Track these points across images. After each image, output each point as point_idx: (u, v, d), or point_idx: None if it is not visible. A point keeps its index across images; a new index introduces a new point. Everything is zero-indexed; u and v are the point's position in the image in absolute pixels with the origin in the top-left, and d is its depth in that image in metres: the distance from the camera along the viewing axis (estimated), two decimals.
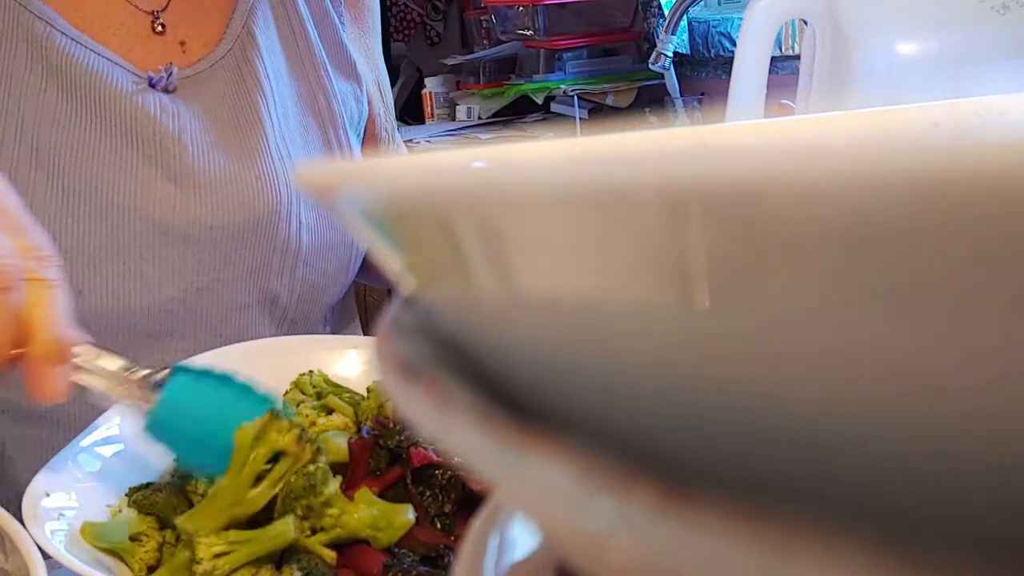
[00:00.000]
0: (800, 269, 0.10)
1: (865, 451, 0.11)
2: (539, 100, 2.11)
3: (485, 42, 2.39)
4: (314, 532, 0.54)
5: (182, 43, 0.82)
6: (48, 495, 0.55)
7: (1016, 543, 0.11)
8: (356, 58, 0.91)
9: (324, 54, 0.87)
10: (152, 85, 0.78)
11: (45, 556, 0.47)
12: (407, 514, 0.54)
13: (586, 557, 0.14)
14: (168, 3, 0.82)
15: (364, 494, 0.55)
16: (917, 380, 0.10)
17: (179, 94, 0.79)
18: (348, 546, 0.54)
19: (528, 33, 2.11)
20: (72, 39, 0.76)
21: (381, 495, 0.56)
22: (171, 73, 0.79)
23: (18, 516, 0.50)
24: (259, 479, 0.54)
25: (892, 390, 0.11)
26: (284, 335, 0.81)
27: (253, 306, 0.81)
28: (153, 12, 0.81)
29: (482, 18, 2.38)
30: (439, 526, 0.55)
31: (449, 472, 0.56)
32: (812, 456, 0.12)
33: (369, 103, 0.93)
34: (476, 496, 0.56)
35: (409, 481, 0.57)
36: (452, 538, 0.55)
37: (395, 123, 0.99)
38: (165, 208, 0.76)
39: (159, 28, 0.81)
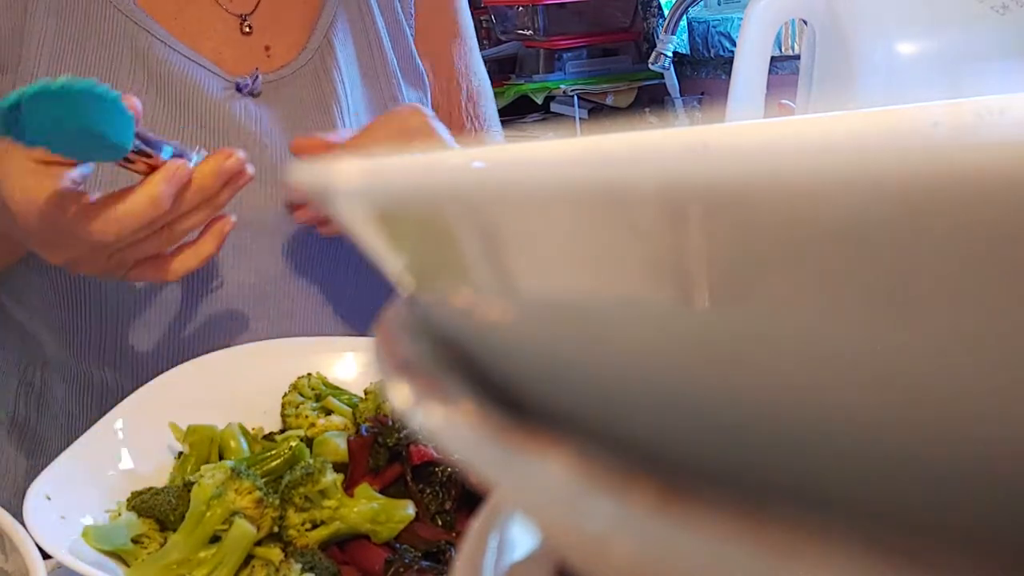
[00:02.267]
0: (799, 269, 0.10)
1: (864, 451, 0.11)
2: (539, 100, 2.11)
3: (485, 42, 2.38)
4: (314, 527, 0.54)
5: (267, 48, 0.88)
6: (49, 498, 0.55)
7: (1016, 543, 0.11)
8: (423, 66, 0.95)
9: (396, 64, 0.93)
10: (239, 90, 0.85)
11: (45, 556, 0.47)
12: (407, 508, 0.54)
13: (586, 557, 0.14)
14: (256, 7, 0.88)
15: (364, 489, 0.55)
16: (917, 380, 0.10)
17: (262, 98, 0.86)
18: (349, 542, 0.54)
19: (528, 33, 2.11)
20: (170, 47, 0.83)
21: (382, 492, 0.56)
22: (256, 79, 0.85)
23: (19, 517, 0.50)
24: (215, 539, 0.53)
25: (892, 390, 0.11)
26: (343, 323, 0.87)
27: (318, 294, 0.87)
28: (241, 15, 0.88)
29: (482, 18, 2.38)
30: (440, 523, 0.55)
31: (449, 469, 0.56)
32: (812, 456, 0.12)
33: (436, 106, 0.96)
34: (476, 492, 0.56)
35: (409, 478, 0.57)
36: (453, 534, 0.55)
37: (493, 113, 1.01)
38: (246, 203, 0.80)
39: (247, 29, 0.88)
